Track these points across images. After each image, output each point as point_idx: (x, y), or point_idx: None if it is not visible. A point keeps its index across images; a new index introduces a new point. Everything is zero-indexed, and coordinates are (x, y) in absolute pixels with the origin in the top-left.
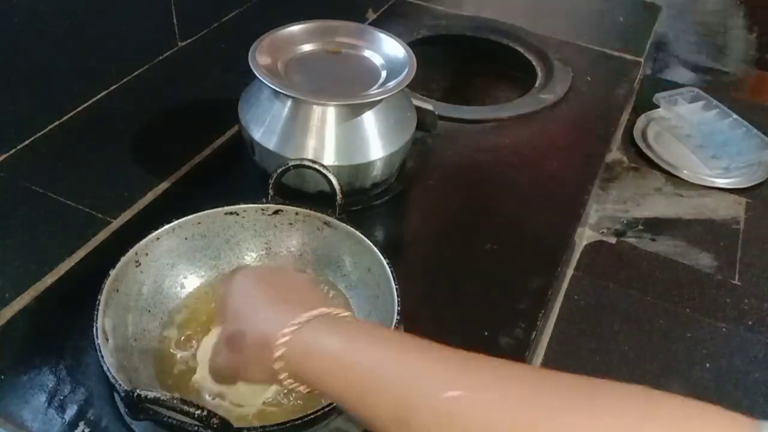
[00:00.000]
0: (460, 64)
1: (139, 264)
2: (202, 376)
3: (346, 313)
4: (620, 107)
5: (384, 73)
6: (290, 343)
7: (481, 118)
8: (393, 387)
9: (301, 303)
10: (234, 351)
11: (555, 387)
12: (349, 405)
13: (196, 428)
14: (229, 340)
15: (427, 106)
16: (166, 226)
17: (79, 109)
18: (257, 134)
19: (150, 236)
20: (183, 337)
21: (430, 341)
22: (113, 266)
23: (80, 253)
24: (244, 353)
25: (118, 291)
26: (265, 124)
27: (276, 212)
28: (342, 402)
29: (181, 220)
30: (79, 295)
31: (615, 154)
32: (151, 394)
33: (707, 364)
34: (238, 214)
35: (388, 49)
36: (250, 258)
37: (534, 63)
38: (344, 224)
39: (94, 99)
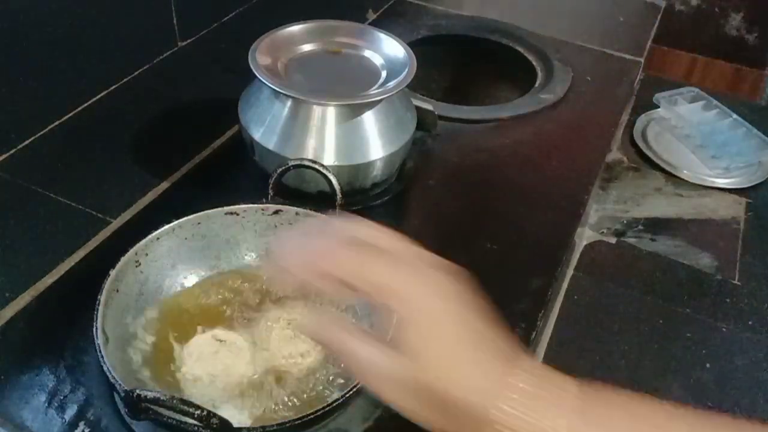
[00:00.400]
0: (460, 64)
1: (139, 264)
2: (191, 373)
3: (552, 374)
4: (620, 107)
5: (384, 73)
6: (503, 413)
7: (481, 118)
8: None
9: (503, 356)
10: (423, 399)
11: None
12: None
13: (196, 428)
14: (420, 391)
15: (427, 106)
16: (166, 226)
17: (79, 109)
18: (257, 134)
19: (150, 236)
20: (183, 337)
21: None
22: (113, 266)
23: (80, 253)
24: (445, 411)
25: (118, 291)
26: (265, 124)
27: (276, 212)
28: None
29: (181, 220)
30: (79, 295)
31: (615, 154)
32: (150, 394)
33: (707, 364)
34: (238, 214)
35: (388, 49)
36: (250, 258)
37: (534, 63)
38: None
39: (94, 99)
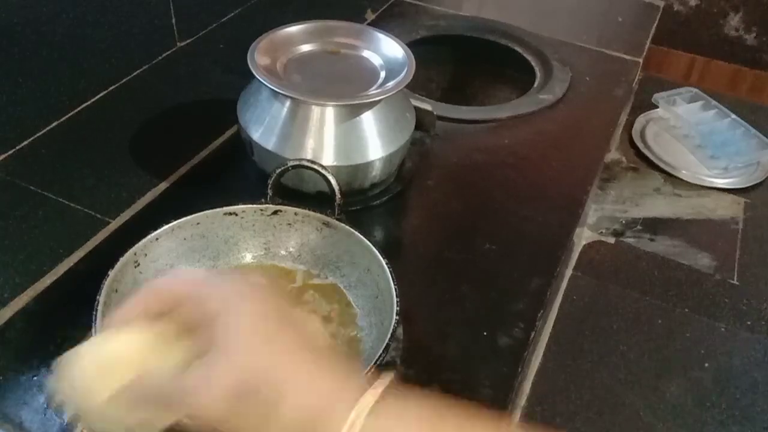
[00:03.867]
0: (459, 65)
1: (138, 264)
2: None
3: (388, 382)
4: (619, 107)
5: (383, 74)
6: (342, 414)
7: (479, 118)
8: None
9: (345, 373)
10: (249, 405)
11: None
12: None
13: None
14: (242, 390)
15: (426, 106)
16: (165, 227)
17: (79, 109)
18: (256, 134)
19: (149, 237)
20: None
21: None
22: (112, 267)
23: (79, 254)
24: (271, 417)
25: (117, 291)
26: (263, 125)
27: (275, 212)
28: None
29: (180, 220)
30: (79, 296)
31: (614, 154)
32: None
33: (706, 364)
34: (237, 215)
35: (387, 50)
36: (249, 258)
37: (533, 63)
38: (343, 224)
39: (94, 99)
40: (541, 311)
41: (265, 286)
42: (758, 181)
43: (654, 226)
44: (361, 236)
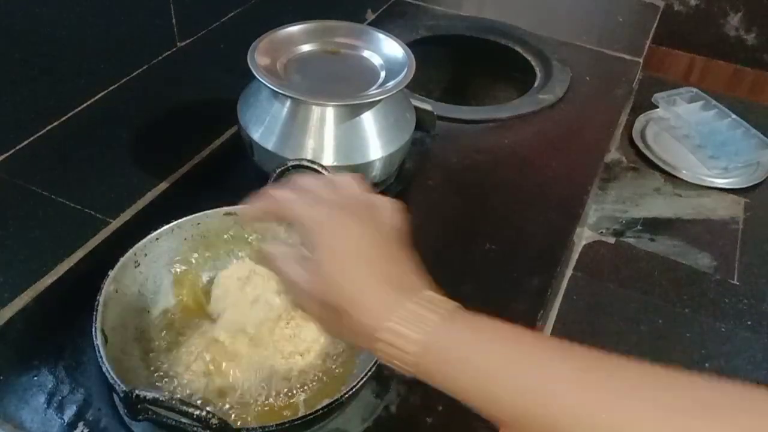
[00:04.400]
0: (459, 65)
1: (139, 264)
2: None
3: (445, 300)
4: (619, 107)
5: (383, 74)
6: (389, 332)
7: (480, 118)
8: (531, 397)
9: (404, 286)
10: (327, 312)
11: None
12: (469, 401)
13: (195, 429)
14: (324, 304)
15: (426, 106)
16: (166, 227)
17: (79, 109)
18: (256, 134)
19: (149, 236)
20: (182, 337)
21: (548, 337)
22: (112, 266)
23: (79, 254)
24: (342, 325)
25: (117, 291)
26: (264, 125)
27: None
28: (457, 395)
29: (180, 220)
30: (79, 296)
31: (614, 154)
32: (149, 395)
33: (706, 364)
34: (237, 215)
35: (387, 50)
36: (249, 258)
37: (533, 63)
38: None
39: (94, 99)
40: (541, 311)
41: (368, 213)
42: (758, 181)
43: (654, 226)
44: None
